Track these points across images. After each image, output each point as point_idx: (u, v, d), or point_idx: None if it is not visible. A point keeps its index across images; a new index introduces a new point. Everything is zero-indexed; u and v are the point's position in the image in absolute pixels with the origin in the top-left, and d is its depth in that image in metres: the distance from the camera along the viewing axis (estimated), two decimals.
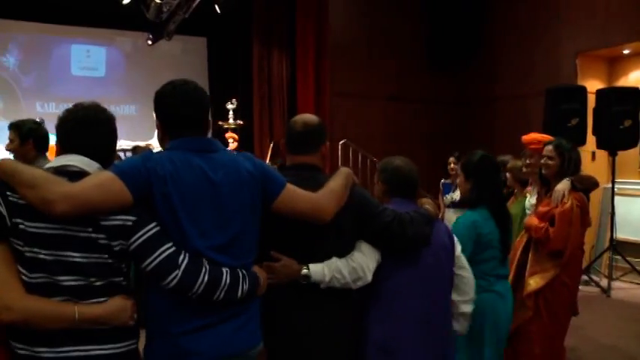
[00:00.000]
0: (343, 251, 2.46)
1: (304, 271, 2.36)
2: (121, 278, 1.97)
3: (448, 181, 7.23)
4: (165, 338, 2.03)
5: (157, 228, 1.95)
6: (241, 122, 9.81)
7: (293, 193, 2.22)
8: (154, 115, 2.19)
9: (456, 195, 6.35)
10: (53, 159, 2.02)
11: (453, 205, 6.50)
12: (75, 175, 1.92)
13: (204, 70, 11.97)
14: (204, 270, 1.96)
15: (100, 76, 12.24)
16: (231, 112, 9.71)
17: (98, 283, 1.89)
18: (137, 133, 9.86)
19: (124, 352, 1.93)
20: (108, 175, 1.94)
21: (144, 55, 12.38)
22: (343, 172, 2.49)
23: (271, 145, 9.81)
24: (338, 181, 2.39)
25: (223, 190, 2.06)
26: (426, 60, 11.30)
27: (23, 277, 1.83)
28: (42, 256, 1.82)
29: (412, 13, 11.20)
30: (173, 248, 1.95)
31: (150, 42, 11.88)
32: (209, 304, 2.02)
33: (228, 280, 2.00)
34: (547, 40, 9.90)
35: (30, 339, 1.81)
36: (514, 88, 10.51)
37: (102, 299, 1.89)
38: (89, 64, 12.35)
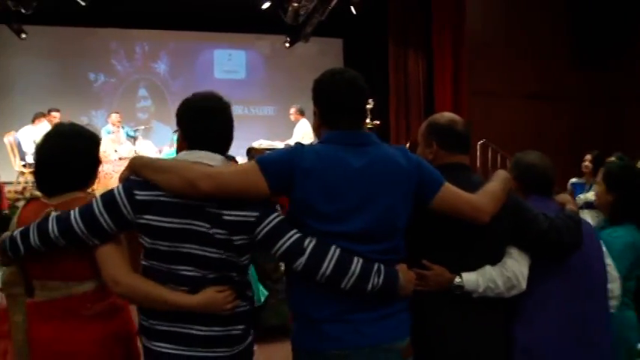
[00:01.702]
0: (495, 258, 2.35)
1: (457, 280, 2.25)
2: (235, 273, 2.03)
3: (581, 180, 6.73)
4: (306, 322, 2.04)
5: (281, 217, 1.99)
6: (378, 122, 9.79)
7: (453, 192, 2.13)
8: (313, 103, 2.15)
9: (590, 195, 5.87)
10: (179, 155, 2.08)
11: (587, 205, 6.00)
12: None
13: None
14: (330, 254, 1.94)
15: (241, 78, 12.75)
16: (367, 113, 9.72)
17: (211, 276, 1.97)
18: (275, 134, 10.15)
19: (223, 336, 2.02)
20: (250, 163, 2.00)
21: (282, 57, 12.74)
22: (502, 175, 2.38)
23: (407, 145, 9.72)
24: (497, 184, 2.28)
25: (370, 187, 2.01)
26: (570, 56, 10.71)
27: (142, 261, 2.02)
28: (162, 247, 1.95)
29: (554, 8, 10.67)
30: (299, 234, 1.96)
31: (287, 45, 12.20)
32: (343, 292, 1.98)
33: (357, 270, 1.96)
34: None
35: (148, 313, 2.01)
36: None
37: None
38: (231, 68, 12.91)
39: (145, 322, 2.02)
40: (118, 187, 1.99)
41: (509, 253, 2.38)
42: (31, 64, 11.93)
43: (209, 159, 2.01)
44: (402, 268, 2.08)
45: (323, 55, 12.50)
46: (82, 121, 11.90)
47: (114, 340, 2.17)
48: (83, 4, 9.88)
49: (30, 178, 8.90)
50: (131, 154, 9.23)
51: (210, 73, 12.76)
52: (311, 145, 2.07)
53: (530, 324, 2.51)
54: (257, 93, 12.43)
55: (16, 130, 9.48)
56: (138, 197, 1.94)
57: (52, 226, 1.99)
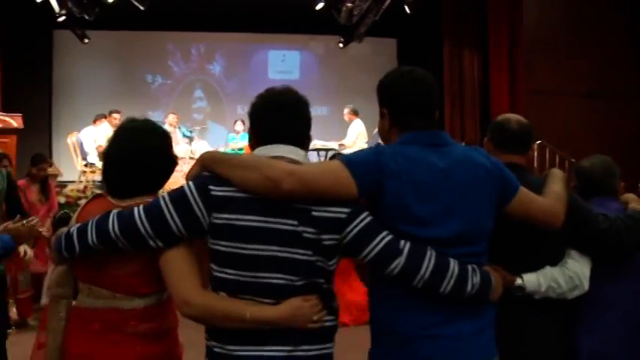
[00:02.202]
0: (554, 259, 2.30)
1: (518, 281, 2.19)
2: (323, 280, 1.80)
3: None
4: (392, 339, 1.86)
5: (371, 217, 1.80)
6: None
7: (528, 196, 2.05)
8: (379, 105, 2.04)
9: None
10: (258, 150, 1.87)
11: None
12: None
13: None
14: (429, 254, 1.79)
15: (295, 78, 12.82)
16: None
17: (298, 283, 1.75)
18: (329, 134, 10.16)
19: (316, 356, 1.79)
20: (336, 163, 1.83)
21: (335, 57, 12.77)
22: (558, 174, 2.32)
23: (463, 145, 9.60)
24: (558, 186, 2.22)
25: (458, 184, 1.89)
26: (630, 54, 10.36)
27: (214, 272, 1.77)
28: (241, 250, 1.72)
29: (613, 4, 10.34)
30: (391, 235, 1.79)
31: (341, 45, 12.22)
32: (439, 299, 1.82)
33: (456, 270, 1.81)
34: None
35: (223, 338, 1.76)
36: None
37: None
38: (285, 68, 13.01)
39: (219, 349, 1.76)
40: (188, 183, 1.78)
41: (569, 254, 2.33)
42: (92, 68, 12.31)
43: (292, 153, 1.83)
44: (488, 269, 1.96)
45: (376, 55, 12.47)
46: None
47: None
48: (142, 8, 10.14)
49: (91, 177, 9.17)
50: (187, 155, 9.42)
51: (264, 74, 12.88)
52: (391, 145, 1.95)
53: (594, 328, 2.46)
54: (311, 93, 12.20)
55: (79, 131, 9.78)
56: (214, 193, 1.73)
57: (112, 223, 1.78)
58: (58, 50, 12.19)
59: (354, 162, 1.82)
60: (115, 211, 1.83)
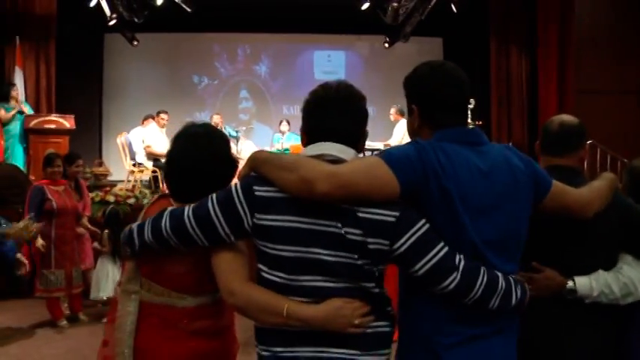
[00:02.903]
0: (606, 262, 2.24)
1: (569, 284, 2.14)
2: (373, 284, 1.72)
3: None
4: (427, 349, 1.78)
5: (427, 225, 1.69)
6: (480, 122, 9.59)
7: (560, 188, 1.98)
8: (408, 101, 1.95)
9: None
10: (305, 148, 1.83)
11: None
12: (334, 162, 1.72)
13: None
14: (482, 271, 1.71)
15: (340, 78, 12.81)
16: (469, 113, 9.52)
17: (343, 286, 1.68)
18: (375, 134, 10.07)
19: None
20: (376, 159, 1.72)
21: (380, 57, 12.74)
22: (607, 176, 2.26)
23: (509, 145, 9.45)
24: (602, 182, 2.17)
25: (497, 187, 1.80)
26: None
27: (263, 273, 1.74)
28: (285, 253, 1.68)
29: None
30: (447, 247, 1.69)
31: (387, 45, 12.19)
32: (481, 313, 1.76)
33: (504, 285, 1.74)
34: None
35: (270, 340, 1.74)
36: None
37: None
38: (330, 68, 13.03)
39: (267, 352, 1.74)
40: (235, 184, 1.77)
41: (624, 259, 2.27)
42: (140, 70, 12.57)
43: (340, 151, 1.76)
44: (528, 277, 1.93)
45: (422, 54, 12.35)
46: (186, 122, 12.38)
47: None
48: (189, 10, 10.30)
49: (139, 176, 9.35)
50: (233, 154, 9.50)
51: (310, 74, 12.93)
52: (430, 141, 1.81)
53: None
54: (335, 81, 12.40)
55: (127, 132, 9.98)
56: (257, 193, 1.69)
57: (165, 221, 1.81)
58: (109, 53, 12.48)
59: (395, 157, 1.71)
60: (169, 208, 1.86)
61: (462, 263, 1.68)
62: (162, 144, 9.37)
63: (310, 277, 1.68)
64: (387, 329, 1.77)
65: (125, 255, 2.03)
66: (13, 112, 8.90)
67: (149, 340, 1.99)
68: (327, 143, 1.76)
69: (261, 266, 1.75)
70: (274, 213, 1.69)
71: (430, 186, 1.70)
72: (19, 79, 9.76)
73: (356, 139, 1.82)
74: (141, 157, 9.57)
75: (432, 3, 9.72)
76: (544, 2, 10.23)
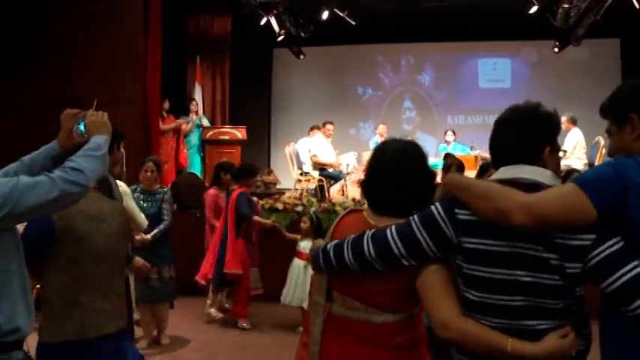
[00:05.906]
0: None
1: None
2: (573, 301, 1.74)
3: None
4: None
5: (621, 243, 1.65)
6: None
7: None
8: (621, 110, 1.83)
9: None
10: (497, 171, 1.84)
11: None
12: (529, 187, 1.72)
13: (618, 73, 11.26)
14: None
15: (506, 87, 12.44)
16: None
17: (547, 305, 1.70)
18: None
19: None
20: (570, 188, 1.68)
21: (549, 63, 12.17)
22: None
23: None
24: None
25: None
26: None
27: (465, 293, 1.77)
28: (484, 274, 1.73)
29: None
30: None
31: (556, 49, 11.59)
32: None
33: None
34: None
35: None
36: None
37: (548, 322, 1.71)
38: (495, 77, 12.68)
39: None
40: (435, 205, 1.82)
41: None
42: (306, 82, 13.07)
43: (536, 174, 1.77)
44: None
45: (596, 57, 11.66)
46: (350, 132, 12.70)
47: None
48: (354, 23, 10.54)
49: (306, 185, 9.67)
50: None
51: (474, 83, 12.68)
52: (631, 157, 1.75)
53: None
54: (524, 101, 11.93)
55: (295, 142, 10.37)
56: (460, 217, 1.75)
57: (367, 246, 1.86)
58: (277, 67, 13.13)
59: (590, 183, 1.68)
60: (368, 232, 1.91)
61: None
62: (328, 154, 9.65)
63: (507, 297, 1.71)
64: (582, 347, 1.83)
65: (318, 269, 2.07)
66: (191, 125, 9.89)
67: (345, 357, 1.99)
68: (524, 166, 1.77)
69: (462, 287, 1.78)
70: (477, 236, 1.73)
71: (630, 204, 1.65)
72: (198, 94, 10.75)
73: (536, 157, 1.80)
74: (308, 167, 9.88)
75: (608, 2, 9.11)
76: None
